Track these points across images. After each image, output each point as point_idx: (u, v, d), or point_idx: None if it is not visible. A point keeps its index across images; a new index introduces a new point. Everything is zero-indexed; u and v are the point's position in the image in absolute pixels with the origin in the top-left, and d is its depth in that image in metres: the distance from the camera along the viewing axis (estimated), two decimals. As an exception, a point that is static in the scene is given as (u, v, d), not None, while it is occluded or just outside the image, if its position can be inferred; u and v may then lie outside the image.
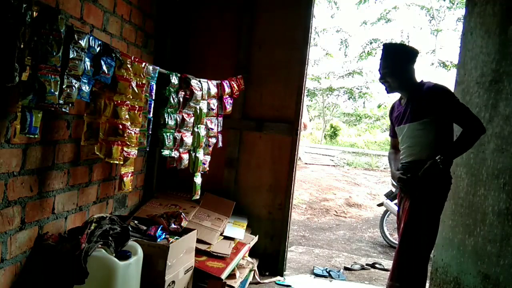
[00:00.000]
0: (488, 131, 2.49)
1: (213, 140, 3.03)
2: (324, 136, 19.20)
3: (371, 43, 17.03)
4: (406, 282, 2.31)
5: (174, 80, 2.44)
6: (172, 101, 2.45)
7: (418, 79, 2.42)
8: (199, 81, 2.66)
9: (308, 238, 5.12)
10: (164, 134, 2.44)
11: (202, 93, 2.67)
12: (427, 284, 2.51)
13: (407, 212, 2.34)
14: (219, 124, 3.11)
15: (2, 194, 1.77)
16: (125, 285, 1.95)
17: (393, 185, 5.05)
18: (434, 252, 3.05)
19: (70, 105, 1.67)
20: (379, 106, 18.23)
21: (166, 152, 2.50)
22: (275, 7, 3.36)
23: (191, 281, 2.59)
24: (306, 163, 11.08)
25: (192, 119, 2.66)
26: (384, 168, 11.56)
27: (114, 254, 1.93)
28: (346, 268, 3.87)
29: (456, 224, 2.87)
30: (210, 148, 3.01)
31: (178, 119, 2.54)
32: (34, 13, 1.44)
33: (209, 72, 3.19)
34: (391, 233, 5.17)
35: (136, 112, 2.12)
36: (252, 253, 3.26)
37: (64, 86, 1.59)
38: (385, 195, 5.18)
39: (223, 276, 2.64)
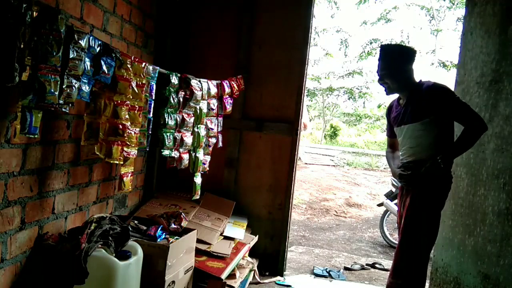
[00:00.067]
0: (488, 131, 2.49)
1: (213, 140, 3.03)
2: (324, 136, 19.21)
3: (371, 43, 17.02)
4: (406, 279, 2.31)
5: (174, 80, 2.44)
6: (172, 101, 2.45)
7: (417, 79, 2.41)
8: (199, 81, 2.66)
9: (308, 238, 5.12)
10: (164, 134, 2.44)
11: (202, 93, 2.67)
12: (427, 284, 2.51)
13: (407, 209, 2.34)
14: (219, 124, 3.11)
15: (2, 194, 1.77)
16: (125, 285, 1.95)
17: (393, 185, 5.05)
18: (434, 252, 3.05)
19: (70, 105, 1.67)
20: (379, 106, 18.21)
21: (166, 152, 2.50)
22: (275, 7, 3.36)
23: (191, 281, 2.59)
24: (306, 163, 11.08)
25: (192, 119, 2.66)
26: (384, 168, 11.56)
27: (114, 254, 1.93)
28: (346, 268, 3.87)
29: (456, 224, 2.87)
30: (210, 148, 3.01)
31: (178, 119, 2.54)
32: (34, 13, 1.44)
33: (209, 72, 3.19)
34: (391, 233, 5.17)
35: (136, 112, 2.12)
36: (252, 253, 3.26)
37: (64, 86, 1.59)
38: (385, 195, 5.18)
39: (223, 276, 2.64)
